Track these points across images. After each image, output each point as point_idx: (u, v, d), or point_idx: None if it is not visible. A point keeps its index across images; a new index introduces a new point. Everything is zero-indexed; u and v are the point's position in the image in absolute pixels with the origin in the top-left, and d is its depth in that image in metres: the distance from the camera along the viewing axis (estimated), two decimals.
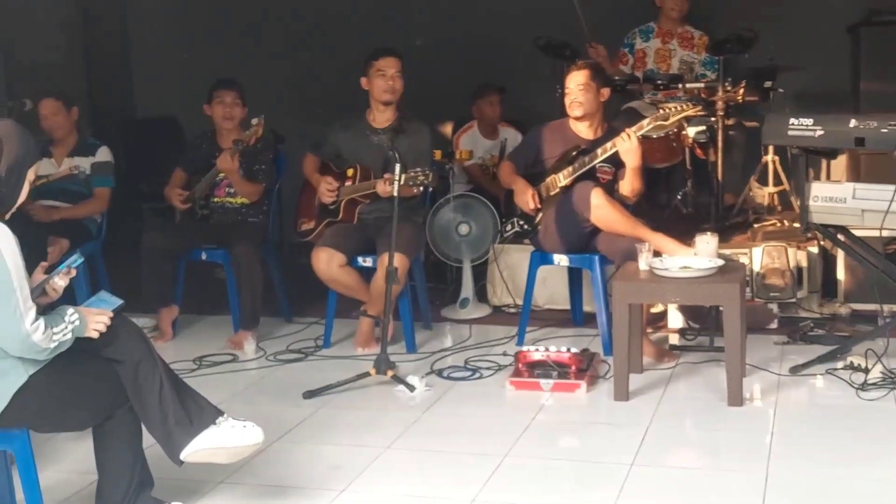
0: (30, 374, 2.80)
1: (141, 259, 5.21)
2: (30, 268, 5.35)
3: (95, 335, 2.90)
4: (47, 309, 2.91)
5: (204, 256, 5.34)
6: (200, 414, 3.08)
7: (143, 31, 7.92)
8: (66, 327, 2.82)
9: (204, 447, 3.04)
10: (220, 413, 3.12)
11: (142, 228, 6.00)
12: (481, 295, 5.85)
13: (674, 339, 5.06)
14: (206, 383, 4.53)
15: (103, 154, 5.59)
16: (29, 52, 6.88)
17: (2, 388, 2.77)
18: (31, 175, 2.87)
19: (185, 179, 5.49)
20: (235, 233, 5.20)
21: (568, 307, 5.51)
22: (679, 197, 6.04)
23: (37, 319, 2.71)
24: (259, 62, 7.55)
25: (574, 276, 5.41)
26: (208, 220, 5.41)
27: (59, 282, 3.03)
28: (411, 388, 4.36)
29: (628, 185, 4.88)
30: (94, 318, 2.93)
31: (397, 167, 4.49)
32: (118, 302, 3.06)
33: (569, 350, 4.49)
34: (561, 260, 5.02)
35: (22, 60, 6.89)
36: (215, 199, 5.41)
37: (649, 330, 4.98)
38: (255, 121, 5.24)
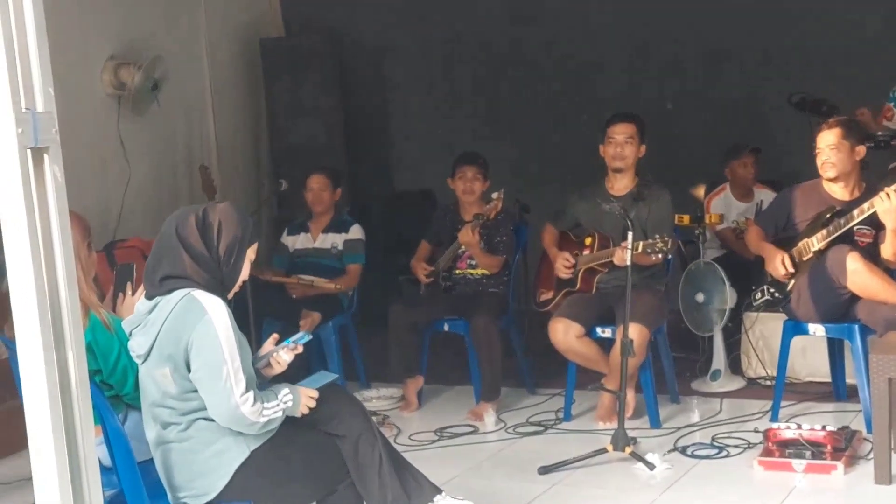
0: (251, 450, 2.88)
1: (388, 331, 5.33)
2: (286, 336, 5.66)
3: (306, 411, 2.95)
4: (265, 384, 2.99)
5: (446, 328, 5.39)
6: (419, 492, 3.08)
7: (399, 111, 8.22)
8: (279, 405, 2.88)
9: None
10: (439, 491, 3.11)
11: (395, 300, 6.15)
12: (735, 367, 5.55)
13: None
14: (446, 455, 4.59)
15: (355, 231, 5.80)
16: (293, 135, 7.31)
17: (224, 463, 2.86)
18: (250, 254, 2.99)
19: (430, 251, 5.60)
20: (475, 304, 5.23)
21: (829, 380, 5.12)
22: None
23: (247, 392, 2.78)
24: (508, 134, 7.65)
25: (835, 346, 5.03)
26: (451, 291, 5.48)
27: (284, 356, 3.12)
28: (651, 465, 4.17)
29: (890, 248, 4.48)
30: (307, 398, 2.98)
31: (630, 235, 4.36)
32: (333, 376, 3.10)
33: (824, 427, 4.16)
34: (816, 330, 4.68)
35: (287, 144, 7.32)
36: (457, 271, 5.47)
37: None
38: (495, 195, 5.27)
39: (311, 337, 3.25)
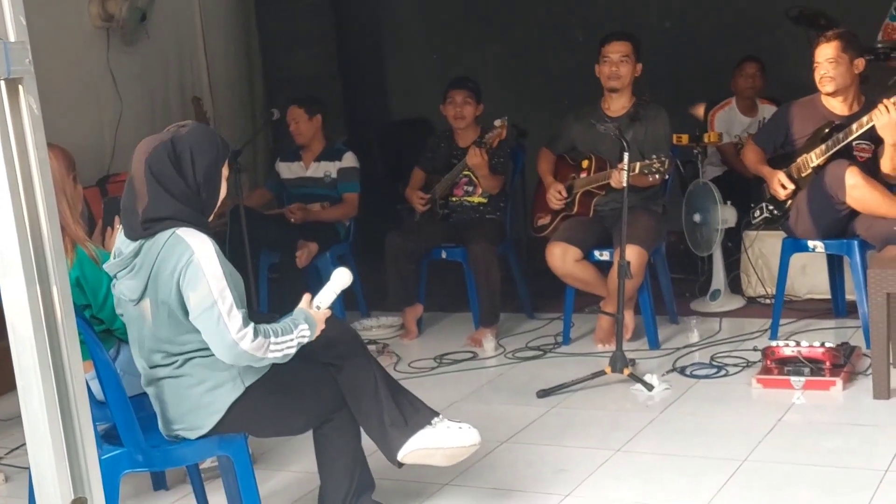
0: (246, 386, 2.85)
1: (385, 260, 5.31)
2: (283, 268, 5.62)
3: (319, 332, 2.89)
4: (281, 317, 2.90)
5: (444, 255, 5.36)
6: (416, 415, 3.06)
7: (394, 38, 8.12)
8: (293, 340, 2.80)
9: (420, 447, 3.02)
10: (436, 414, 3.09)
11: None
12: (735, 286, 5.54)
13: None
14: (446, 381, 4.61)
15: (349, 160, 5.74)
16: (287, 65, 7.22)
17: (218, 398, 2.83)
18: (225, 172, 2.90)
19: (424, 179, 5.56)
20: (473, 230, 5.20)
21: (829, 297, 5.11)
22: None
23: (244, 328, 2.71)
24: (505, 59, 7.55)
25: (835, 263, 5.01)
26: (448, 218, 5.44)
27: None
28: (649, 386, 4.18)
29: (888, 162, 4.43)
30: (321, 322, 2.91)
31: (626, 156, 4.31)
32: (347, 276, 2.96)
33: (823, 344, 4.16)
34: (816, 246, 4.65)
35: (280, 74, 7.24)
36: (453, 198, 5.43)
37: None
38: (497, 122, 5.20)
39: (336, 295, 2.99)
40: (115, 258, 2.86)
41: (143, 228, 2.77)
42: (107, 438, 2.87)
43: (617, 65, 4.83)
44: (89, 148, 5.59)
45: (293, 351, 2.81)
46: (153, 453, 2.85)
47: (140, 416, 2.84)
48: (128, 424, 2.78)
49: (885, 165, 4.46)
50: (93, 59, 5.84)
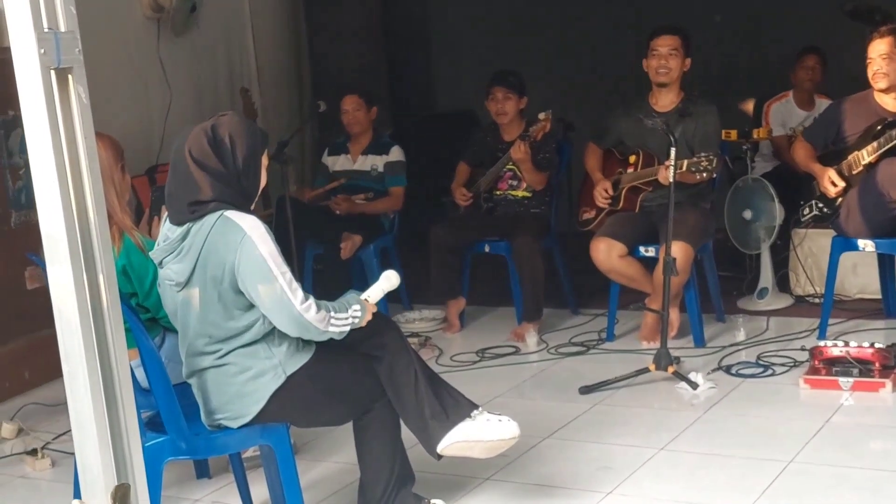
0: (288, 375, 2.86)
1: (429, 253, 5.31)
2: (327, 260, 5.62)
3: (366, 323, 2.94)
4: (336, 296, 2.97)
5: (487, 249, 5.35)
6: (456, 407, 3.05)
7: (441, 31, 8.11)
8: (348, 320, 2.87)
9: (459, 440, 3.01)
10: (476, 406, 3.08)
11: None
12: (783, 285, 5.47)
13: None
14: (488, 375, 4.60)
15: (396, 153, 5.74)
16: (334, 57, 7.23)
17: (260, 387, 2.85)
18: (264, 161, 2.95)
19: (469, 173, 5.54)
20: (517, 224, 5.17)
21: (880, 297, 5.02)
22: None
23: (307, 300, 2.77)
24: (553, 52, 7.52)
25: (886, 262, 4.92)
26: (492, 212, 5.42)
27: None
28: (693, 385, 4.13)
29: None
30: (370, 313, 2.96)
31: (673, 152, 4.26)
32: (395, 280, 3.08)
33: (872, 345, 4.09)
34: (866, 245, 4.57)
35: (328, 66, 7.25)
36: (497, 192, 5.41)
37: None
38: (542, 115, 5.17)
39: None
40: (160, 245, 2.89)
41: (191, 212, 2.81)
42: (150, 426, 2.90)
43: (665, 58, 4.78)
44: (138, 137, 5.65)
45: (347, 329, 2.88)
46: (196, 441, 2.87)
47: (184, 404, 2.86)
48: (171, 412, 2.80)
49: None
50: (143, 49, 5.89)
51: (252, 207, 2.91)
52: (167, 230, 2.89)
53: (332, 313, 2.83)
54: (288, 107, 7.06)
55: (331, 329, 2.83)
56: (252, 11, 6.76)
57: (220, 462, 3.61)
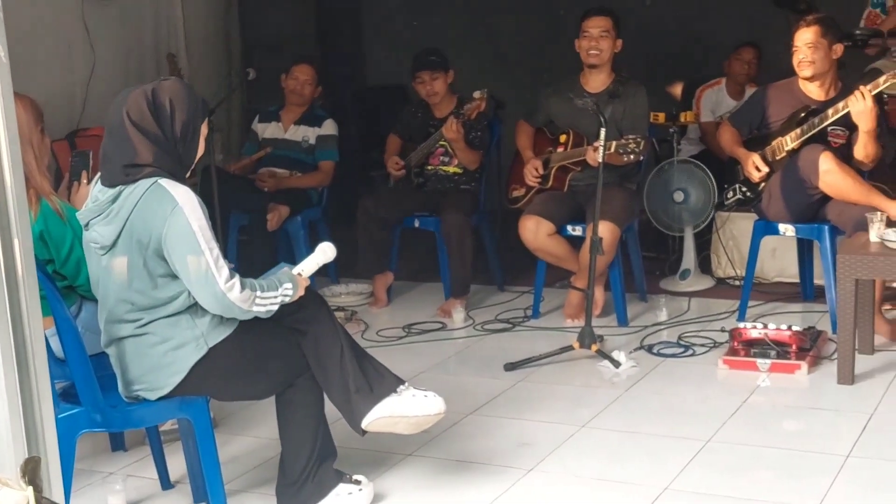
0: (210, 346, 2.82)
1: (357, 227, 5.27)
2: (253, 231, 5.54)
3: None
4: (267, 274, 2.93)
5: (416, 224, 5.33)
6: (381, 382, 3.02)
7: (373, 2, 8.02)
8: (277, 298, 2.83)
9: (384, 415, 2.98)
10: (401, 382, 3.06)
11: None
12: (705, 266, 5.55)
13: None
14: (414, 351, 4.59)
15: (329, 127, 5.67)
16: (264, 24, 7.12)
17: (180, 358, 2.80)
18: (203, 130, 2.90)
19: (400, 146, 5.51)
20: (447, 200, 5.17)
21: (798, 280, 5.12)
22: None
23: (231, 278, 2.73)
24: (485, 29, 7.49)
25: (805, 247, 5.02)
26: (422, 187, 5.41)
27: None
28: (616, 363, 4.17)
29: (862, 149, 4.43)
30: (302, 288, 2.93)
31: (602, 133, 4.28)
32: (329, 252, 3.04)
33: (790, 327, 4.17)
34: (787, 230, 4.65)
35: (257, 33, 7.14)
36: (429, 167, 5.39)
37: (887, 307, 4.56)
38: (477, 94, 5.15)
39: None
40: (88, 206, 2.82)
41: (125, 174, 2.75)
42: (65, 397, 2.83)
43: (597, 40, 4.80)
44: (60, 100, 5.50)
45: (275, 308, 2.84)
46: (112, 413, 2.81)
47: (100, 375, 2.79)
48: (87, 383, 2.74)
49: (859, 152, 4.46)
50: (66, 10, 5.72)
51: (187, 176, 2.85)
52: (98, 192, 2.83)
53: (259, 292, 2.79)
54: (216, 74, 6.93)
55: (255, 309, 2.79)
56: None
57: (137, 435, 3.55)
